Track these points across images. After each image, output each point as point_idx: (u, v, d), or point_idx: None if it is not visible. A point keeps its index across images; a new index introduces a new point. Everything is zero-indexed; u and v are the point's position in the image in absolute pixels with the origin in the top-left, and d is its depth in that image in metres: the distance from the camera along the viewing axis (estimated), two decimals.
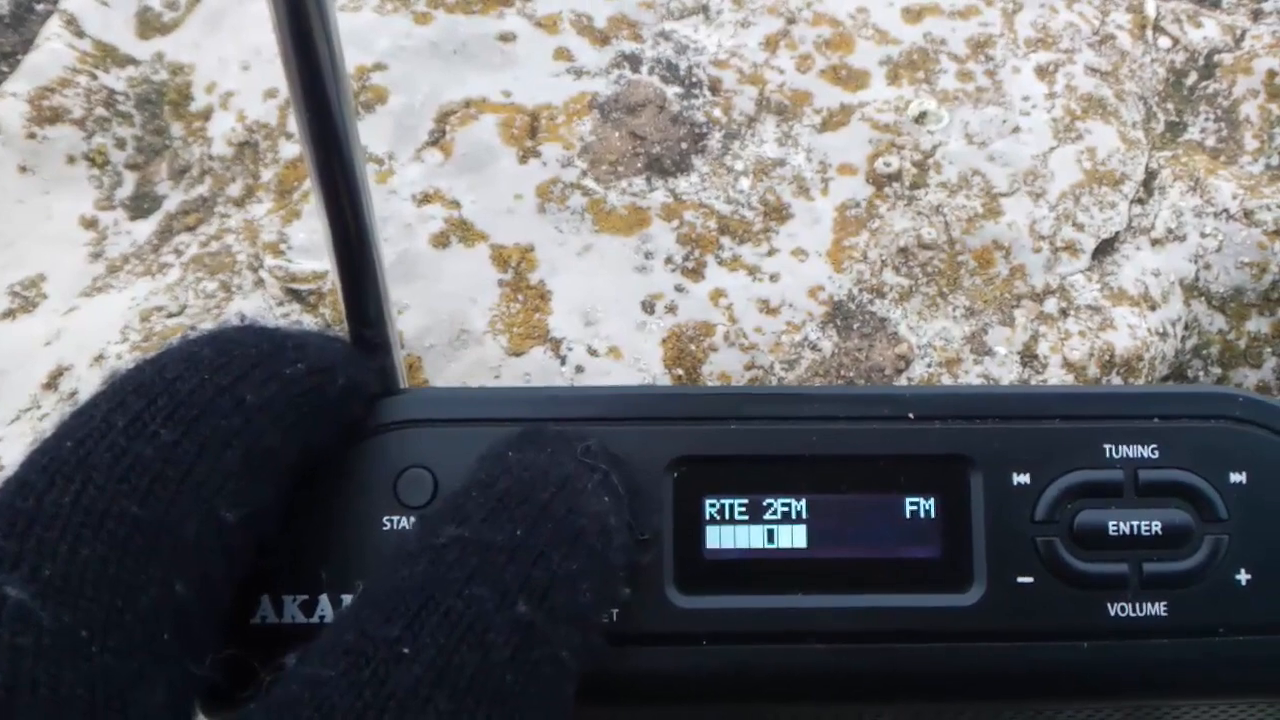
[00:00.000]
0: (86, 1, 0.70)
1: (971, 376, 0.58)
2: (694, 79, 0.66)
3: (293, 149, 0.64)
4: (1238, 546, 0.28)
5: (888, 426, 0.28)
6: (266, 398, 0.23)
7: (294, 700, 0.20)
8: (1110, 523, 0.28)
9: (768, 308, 0.59)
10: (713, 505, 0.28)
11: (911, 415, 0.28)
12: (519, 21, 0.67)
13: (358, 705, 0.20)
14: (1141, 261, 0.63)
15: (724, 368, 0.57)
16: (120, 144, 0.67)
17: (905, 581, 0.28)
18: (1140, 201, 0.65)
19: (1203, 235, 0.63)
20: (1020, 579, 0.27)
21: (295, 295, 0.59)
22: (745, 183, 0.63)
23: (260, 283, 0.59)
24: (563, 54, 0.66)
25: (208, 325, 0.52)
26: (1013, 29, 0.69)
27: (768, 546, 0.28)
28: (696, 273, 0.60)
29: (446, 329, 0.57)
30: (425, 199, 0.60)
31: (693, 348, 0.57)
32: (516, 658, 0.21)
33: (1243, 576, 0.28)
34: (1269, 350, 0.63)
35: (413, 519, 0.27)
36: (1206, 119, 0.70)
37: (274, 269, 0.59)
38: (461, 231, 0.60)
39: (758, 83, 0.66)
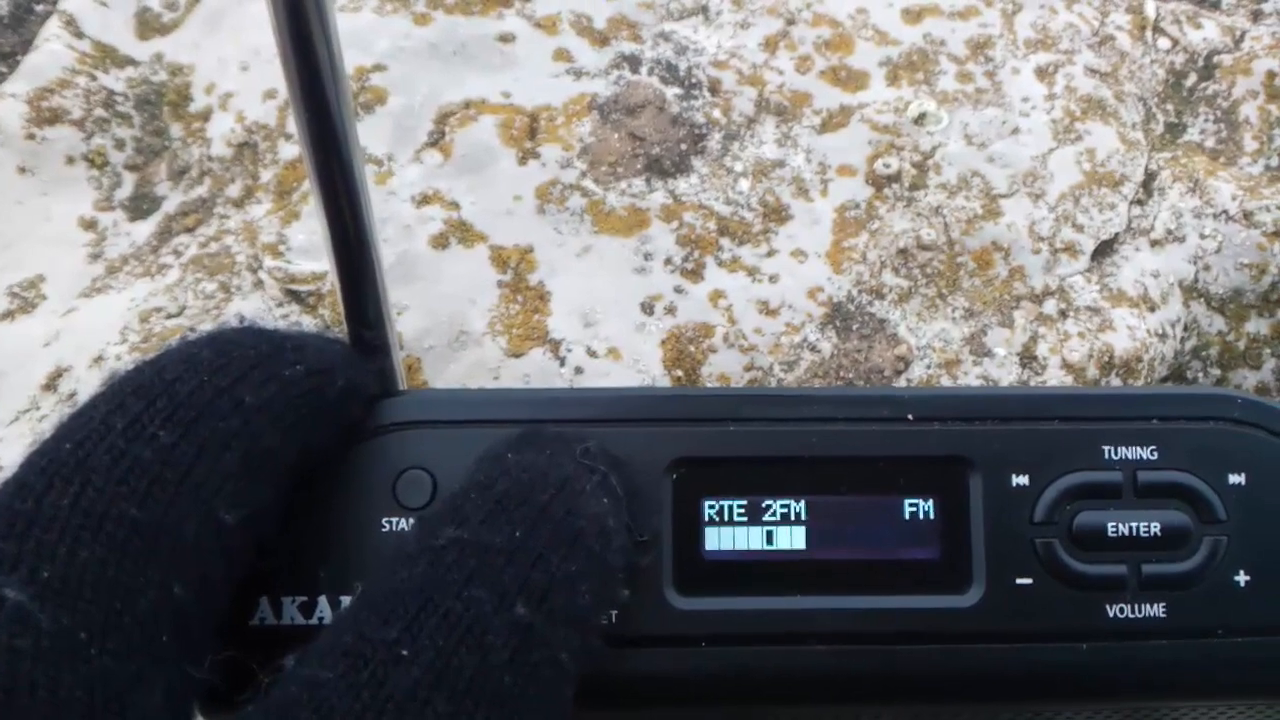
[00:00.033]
0: (86, 2, 0.70)
1: (971, 378, 0.58)
2: (693, 80, 0.66)
3: (292, 150, 0.64)
4: (1236, 548, 0.28)
5: (887, 428, 0.28)
6: (265, 399, 0.23)
7: (292, 702, 0.20)
8: (1109, 524, 0.28)
9: (767, 309, 0.59)
10: (712, 507, 0.28)
11: (910, 416, 0.28)
12: (518, 22, 0.67)
13: (356, 707, 0.20)
14: (1141, 263, 0.63)
15: (723, 369, 0.57)
16: (119, 145, 0.67)
17: (904, 583, 0.28)
18: (1140, 203, 0.65)
19: (1202, 236, 0.63)
20: (1019, 580, 0.27)
21: (294, 296, 0.59)
22: (745, 184, 0.63)
23: (259, 284, 0.59)
24: (562, 55, 0.66)
25: (207, 326, 0.52)
26: (1012, 30, 0.69)
27: (767, 548, 0.28)
28: (696, 274, 0.60)
29: (446, 330, 0.57)
30: (424, 200, 0.60)
31: (692, 349, 0.57)
32: (515, 660, 0.21)
33: (1241, 578, 0.28)
34: (1268, 351, 0.63)
35: (412, 520, 0.27)
36: (1206, 120, 0.70)
37: (273, 270, 0.59)
38: (461, 233, 0.60)
39: (757, 84, 0.66)
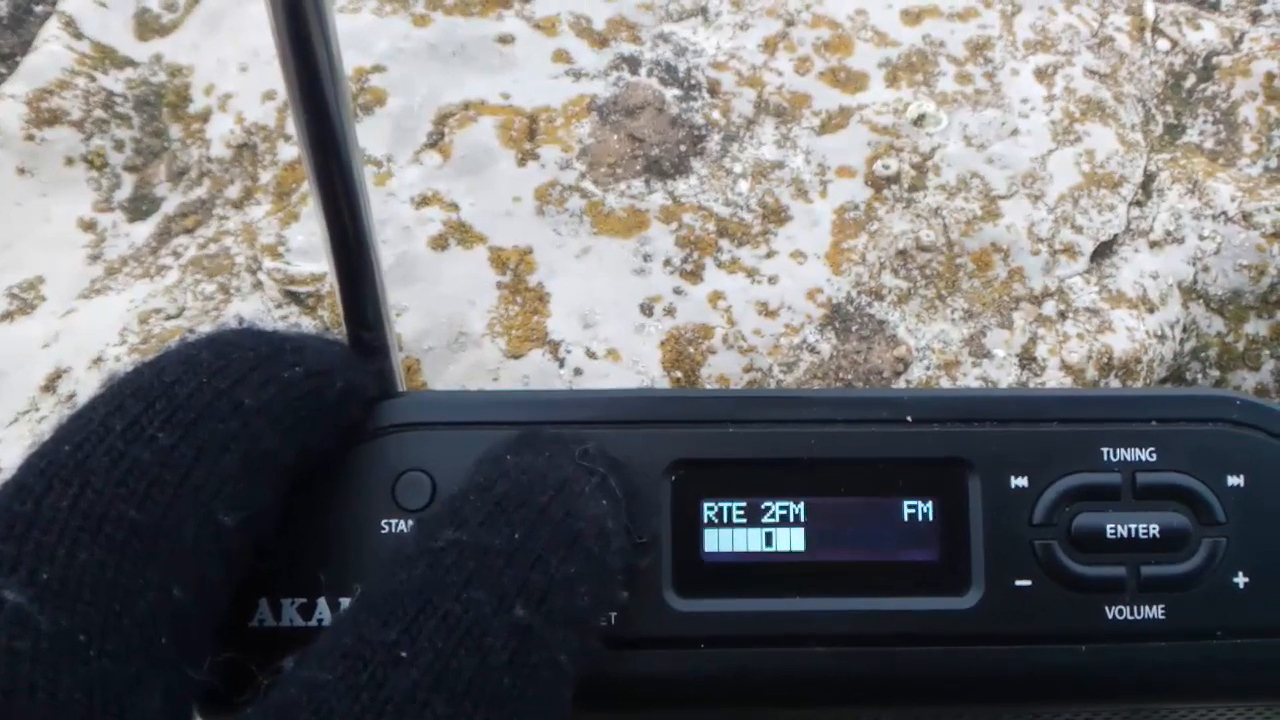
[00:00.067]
0: (85, 3, 0.70)
1: (970, 379, 0.58)
2: (693, 81, 0.66)
3: (291, 151, 0.64)
4: (1235, 549, 0.28)
5: (886, 429, 0.28)
6: (264, 401, 0.23)
7: (292, 703, 0.20)
8: (1108, 526, 0.28)
9: (766, 310, 0.59)
10: (711, 508, 0.28)
11: (910, 418, 0.28)
12: (518, 23, 0.67)
13: (355, 708, 0.20)
14: (1140, 264, 0.63)
15: (722, 370, 0.57)
16: (119, 146, 0.67)
17: (904, 585, 0.28)
18: (1139, 204, 0.65)
19: (1201, 238, 0.63)
20: (1018, 582, 0.27)
21: (294, 297, 0.59)
22: (744, 185, 0.63)
23: (259, 285, 0.59)
24: (561, 56, 0.66)
25: (206, 327, 0.52)
26: (1011, 31, 0.69)
27: (766, 550, 0.28)
28: (695, 275, 0.60)
29: (445, 331, 0.57)
30: (424, 201, 0.60)
31: (691, 350, 0.57)
32: (514, 661, 0.21)
33: (1240, 579, 0.28)
34: (1267, 353, 0.63)
35: (411, 522, 0.27)
36: (1205, 121, 0.70)
37: (272, 271, 0.59)
38: (460, 234, 0.60)
39: (756, 85, 0.66)
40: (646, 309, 0.59)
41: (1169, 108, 0.70)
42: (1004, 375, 0.59)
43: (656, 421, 0.28)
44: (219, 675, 0.23)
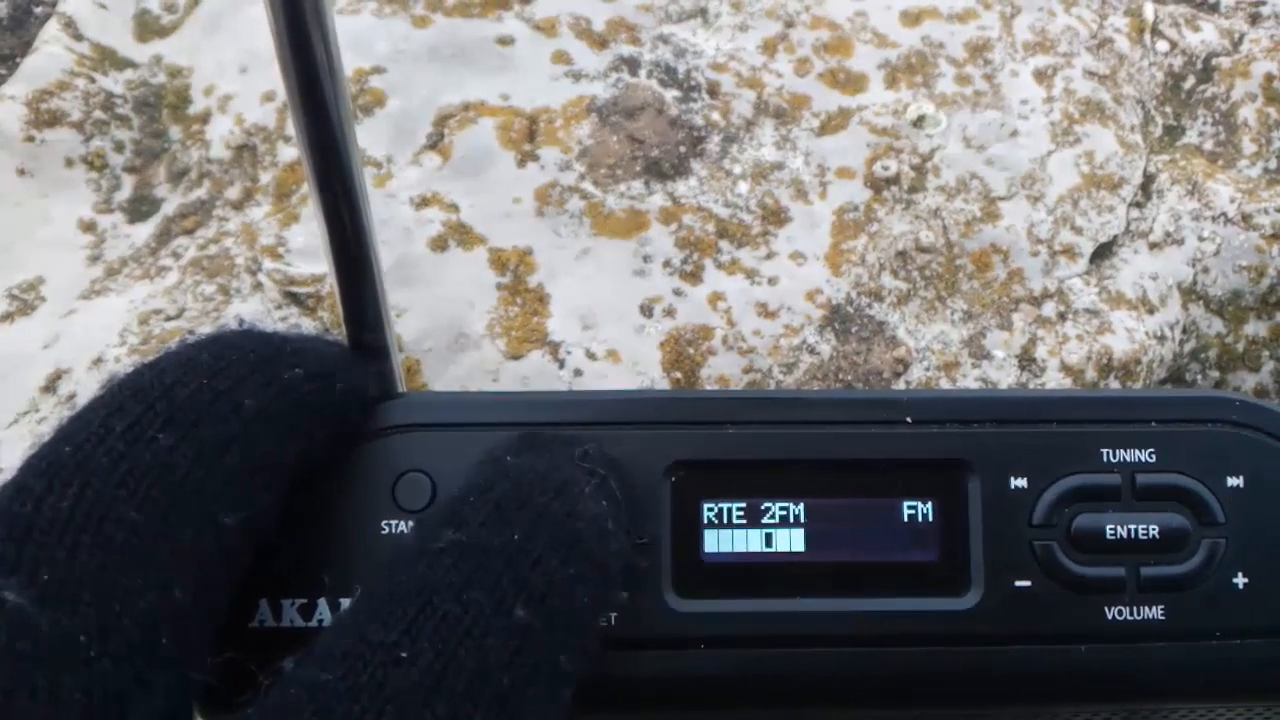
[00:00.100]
0: (85, 4, 0.70)
1: (969, 380, 0.59)
2: (692, 82, 0.66)
3: (291, 152, 0.64)
4: (1235, 550, 0.28)
5: (886, 430, 0.28)
6: (265, 402, 0.23)
7: (292, 704, 0.20)
8: (1107, 526, 0.28)
9: (766, 311, 0.59)
10: (711, 509, 0.28)
11: (909, 419, 0.28)
12: (517, 25, 0.67)
13: (355, 709, 0.20)
14: (1139, 265, 0.63)
15: (722, 371, 0.57)
16: (119, 147, 0.67)
17: (903, 585, 0.28)
18: (1138, 205, 0.65)
19: (1201, 239, 0.63)
20: (1018, 583, 0.27)
21: (293, 298, 0.59)
22: (744, 186, 0.63)
23: (259, 286, 0.59)
24: (561, 57, 0.66)
25: (206, 328, 0.52)
26: (1011, 33, 0.69)
27: (766, 550, 0.28)
28: (695, 276, 0.60)
29: (445, 332, 0.57)
30: (424, 202, 0.60)
31: (691, 351, 0.57)
32: (514, 662, 0.21)
33: (1240, 580, 0.28)
34: (1267, 354, 0.63)
35: (411, 523, 0.27)
36: (1204, 122, 0.70)
37: (272, 272, 0.59)
38: (460, 235, 0.60)
39: (756, 86, 0.66)
40: (646, 310, 0.59)
41: (1168, 109, 0.70)
42: (1004, 376, 0.59)
43: (656, 423, 0.28)
44: (219, 675, 0.23)
